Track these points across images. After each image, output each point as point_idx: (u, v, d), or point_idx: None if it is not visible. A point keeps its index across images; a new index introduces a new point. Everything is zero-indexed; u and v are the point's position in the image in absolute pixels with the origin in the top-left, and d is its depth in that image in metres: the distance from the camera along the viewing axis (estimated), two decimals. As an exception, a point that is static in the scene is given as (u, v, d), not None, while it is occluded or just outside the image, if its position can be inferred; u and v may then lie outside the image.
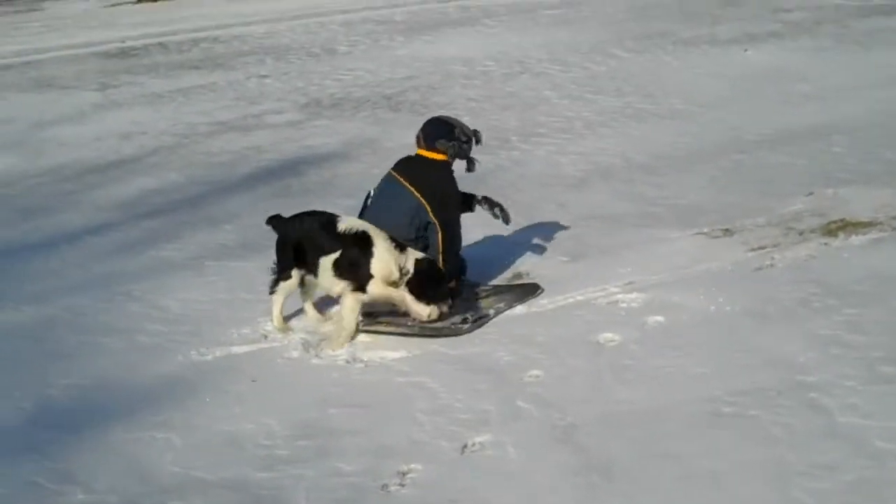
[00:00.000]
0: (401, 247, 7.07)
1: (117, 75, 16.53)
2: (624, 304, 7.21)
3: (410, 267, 7.04)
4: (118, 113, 14.18)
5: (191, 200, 10.36)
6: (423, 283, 7.07)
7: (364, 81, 14.72)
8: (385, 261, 6.98)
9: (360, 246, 7.00)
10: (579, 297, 7.39)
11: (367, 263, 6.97)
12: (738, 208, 9.00)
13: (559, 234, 8.73)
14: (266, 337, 7.13)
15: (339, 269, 7.01)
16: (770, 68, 14.12)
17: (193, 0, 26.64)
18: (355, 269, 6.98)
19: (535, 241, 8.61)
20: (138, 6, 27.77)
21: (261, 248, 8.77)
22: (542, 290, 7.50)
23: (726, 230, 8.46)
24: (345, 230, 7.03)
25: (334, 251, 7.00)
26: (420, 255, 7.13)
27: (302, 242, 7.15)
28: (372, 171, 10.21)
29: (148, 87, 15.55)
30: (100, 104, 14.75)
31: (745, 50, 15.25)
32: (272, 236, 8.91)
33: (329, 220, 7.16)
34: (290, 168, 11.06)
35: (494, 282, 7.84)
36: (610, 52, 15.61)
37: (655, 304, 7.13)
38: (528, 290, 7.54)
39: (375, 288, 7.00)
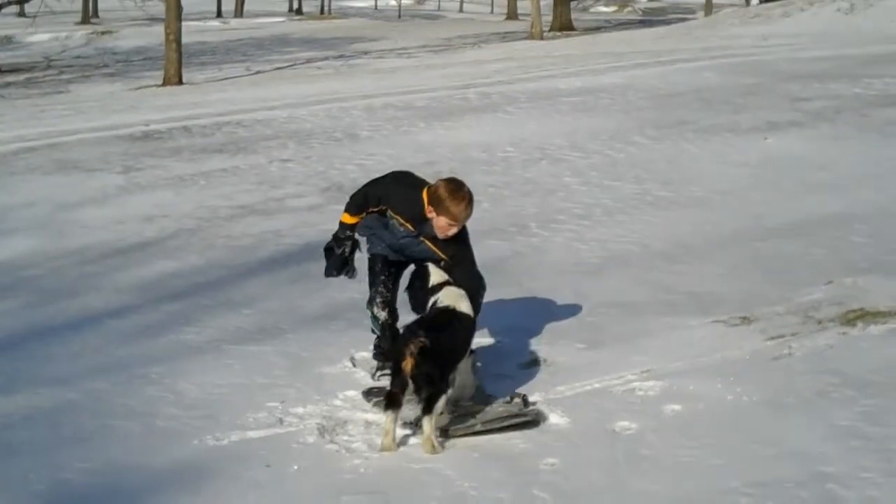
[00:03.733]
0: None
1: (141, 158, 16.67)
2: (641, 393, 7.19)
3: None
4: (141, 196, 14.29)
5: (211, 284, 10.40)
6: None
7: (385, 166, 14.75)
8: None
9: None
10: (596, 385, 7.37)
11: None
12: (756, 296, 9.00)
13: (576, 321, 8.73)
14: (282, 421, 7.11)
15: None
16: (790, 157, 14.19)
17: (217, 84, 27.00)
18: None
19: (552, 327, 8.62)
20: (163, 89, 28.14)
21: (277, 332, 8.83)
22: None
23: (744, 318, 8.45)
24: None
25: None
26: None
27: None
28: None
29: (171, 171, 15.67)
30: (123, 187, 14.86)
31: (766, 138, 15.33)
32: (290, 320, 9.01)
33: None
34: (310, 252, 11.05)
35: (511, 372, 7.79)
36: (630, 140, 15.70)
37: (672, 393, 7.10)
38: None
39: None
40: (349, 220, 7.69)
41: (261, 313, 9.37)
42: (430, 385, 6.66)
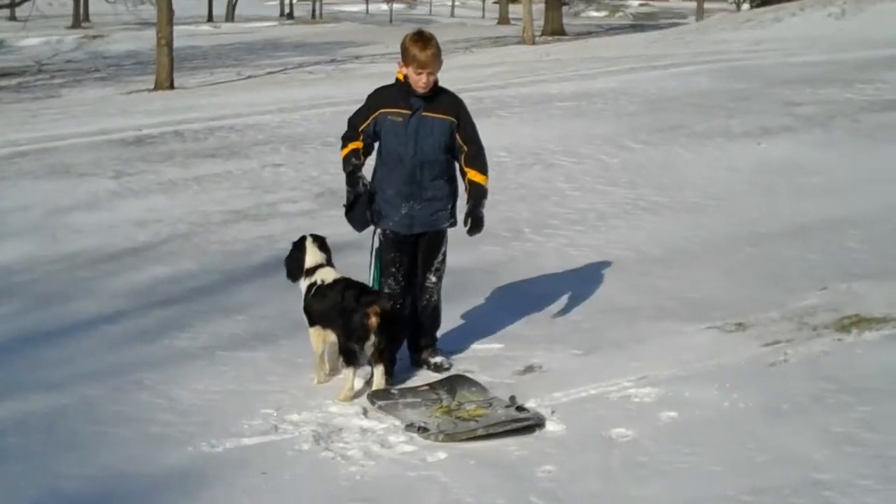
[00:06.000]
0: None
1: (133, 163, 16.64)
2: (637, 399, 7.16)
3: None
4: (133, 200, 14.26)
5: (204, 289, 10.38)
6: None
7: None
8: None
9: None
10: (592, 391, 7.35)
11: None
12: (751, 302, 8.99)
13: (571, 327, 8.72)
14: (276, 428, 7.08)
15: None
16: (783, 162, 14.19)
17: (209, 89, 26.95)
18: None
19: (547, 333, 8.60)
20: (155, 94, 28.09)
21: (271, 338, 8.80)
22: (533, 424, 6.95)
23: (739, 324, 8.44)
24: None
25: None
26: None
27: None
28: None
29: (163, 175, 15.63)
30: (115, 191, 14.83)
31: (759, 143, 15.33)
32: (283, 326, 8.98)
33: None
34: (304, 258, 11.07)
35: (507, 379, 7.78)
36: (623, 145, 15.70)
37: (668, 400, 7.08)
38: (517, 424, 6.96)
39: None
40: (349, 147, 7.86)
41: (255, 319, 9.35)
42: (391, 339, 7.60)
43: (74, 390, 7.90)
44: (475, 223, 7.87)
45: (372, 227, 7.97)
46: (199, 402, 7.57)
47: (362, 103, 7.93)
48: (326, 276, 7.78)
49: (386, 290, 7.85)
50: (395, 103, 7.72)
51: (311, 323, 7.82)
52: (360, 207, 7.87)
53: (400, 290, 7.91)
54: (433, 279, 8.00)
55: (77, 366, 8.47)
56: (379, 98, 7.82)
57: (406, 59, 7.62)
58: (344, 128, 7.98)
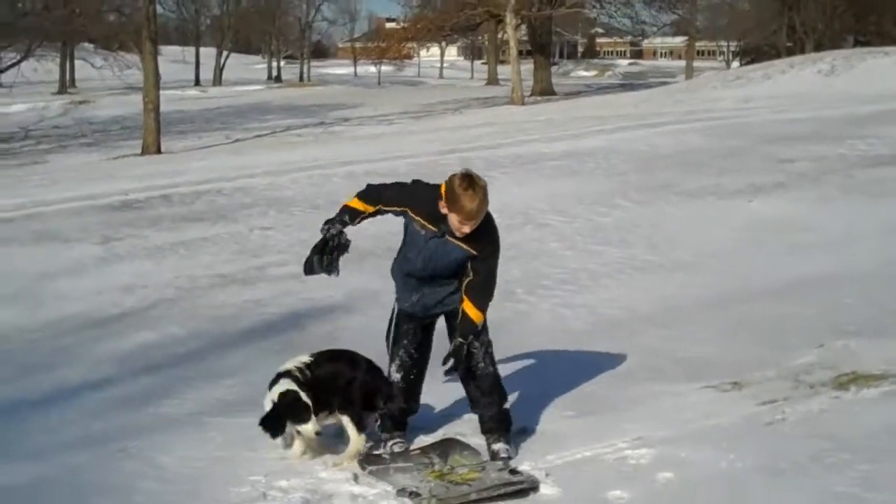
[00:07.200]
0: None
1: (119, 228, 16.56)
2: (632, 461, 7.02)
3: None
4: (120, 266, 14.15)
5: (191, 355, 10.24)
6: None
7: (368, 233, 14.50)
8: None
9: None
10: (587, 453, 7.21)
11: None
12: (746, 361, 8.88)
13: (565, 388, 8.59)
14: (265, 495, 6.93)
15: None
16: (775, 219, 14.17)
17: (196, 153, 26.93)
18: None
19: (540, 395, 8.47)
20: (141, 158, 28.07)
21: (260, 404, 8.64)
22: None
23: (735, 383, 8.33)
24: None
25: None
26: None
27: None
28: (375, 323, 10.10)
29: (150, 240, 15.55)
30: (101, 257, 14.73)
31: (750, 201, 15.32)
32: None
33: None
34: (292, 321, 10.97)
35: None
36: (614, 203, 15.66)
37: (664, 461, 6.95)
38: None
39: None
40: (355, 204, 7.46)
41: (243, 385, 9.19)
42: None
43: (59, 460, 7.74)
44: (457, 361, 7.23)
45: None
46: (186, 470, 7.41)
47: (402, 181, 7.53)
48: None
49: (396, 362, 7.58)
50: (426, 216, 7.17)
51: None
52: (314, 249, 7.53)
53: (411, 361, 7.57)
54: (476, 344, 7.34)
55: (61, 434, 8.31)
56: (416, 199, 7.26)
57: (452, 205, 6.96)
58: (355, 189, 7.67)
